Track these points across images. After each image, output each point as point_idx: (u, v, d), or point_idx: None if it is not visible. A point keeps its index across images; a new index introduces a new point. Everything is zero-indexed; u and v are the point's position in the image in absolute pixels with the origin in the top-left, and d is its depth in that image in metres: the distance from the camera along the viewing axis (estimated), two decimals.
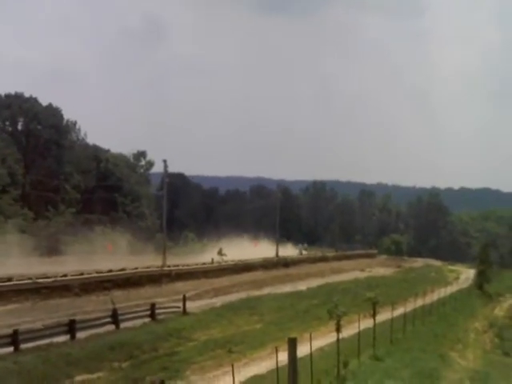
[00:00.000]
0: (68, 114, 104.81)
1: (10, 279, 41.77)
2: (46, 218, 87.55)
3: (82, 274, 47.32)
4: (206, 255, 71.22)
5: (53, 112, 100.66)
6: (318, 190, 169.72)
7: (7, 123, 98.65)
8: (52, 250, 73.52)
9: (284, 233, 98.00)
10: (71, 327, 29.16)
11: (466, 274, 79.32)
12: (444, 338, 38.72)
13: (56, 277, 44.68)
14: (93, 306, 39.22)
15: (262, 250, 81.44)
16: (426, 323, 41.41)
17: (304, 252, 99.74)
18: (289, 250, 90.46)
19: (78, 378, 23.59)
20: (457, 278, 76.83)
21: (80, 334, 29.33)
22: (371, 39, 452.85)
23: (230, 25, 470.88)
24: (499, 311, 56.34)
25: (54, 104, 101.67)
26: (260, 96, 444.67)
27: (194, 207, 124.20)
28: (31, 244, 67.64)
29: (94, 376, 23.97)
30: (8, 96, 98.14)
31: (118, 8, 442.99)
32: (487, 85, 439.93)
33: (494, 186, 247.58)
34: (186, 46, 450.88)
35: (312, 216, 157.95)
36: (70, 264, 56.17)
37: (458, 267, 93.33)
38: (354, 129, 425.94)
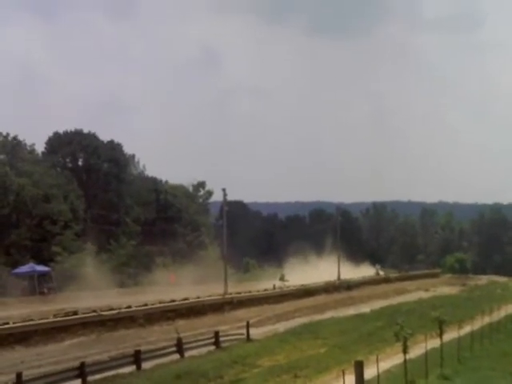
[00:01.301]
0: (126, 148, 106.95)
1: (75, 313, 42.51)
2: (109, 251, 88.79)
3: (145, 304, 47.79)
4: (268, 281, 71.29)
5: (112, 146, 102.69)
6: (379, 212, 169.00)
7: (67, 160, 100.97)
8: (115, 282, 74.61)
9: (346, 255, 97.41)
10: (137, 358, 29.39)
11: None
12: None
13: (120, 309, 45.26)
14: (157, 336, 39.58)
15: (326, 271, 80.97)
16: (494, 341, 40.44)
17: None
18: (346, 269, 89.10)
19: None
20: None
21: (145, 365, 29.51)
22: (426, 56, 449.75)
23: (284, 48, 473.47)
24: None
25: (113, 138, 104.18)
26: (315, 119, 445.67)
27: (254, 234, 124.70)
28: (95, 278, 68.70)
29: None
30: (67, 133, 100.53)
31: (173, 39, 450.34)
32: None
33: None
34: (241, 74, 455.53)
35: (373, 238, 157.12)
36: (133, 295, 56.85)
37: None
38: (411, 148, 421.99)
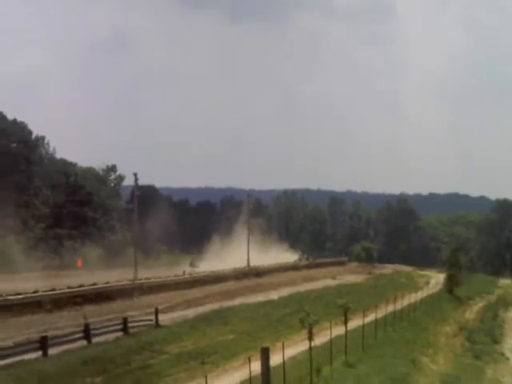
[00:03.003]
0: (37, 129, 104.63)
1: None
2: (16, 234, 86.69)
3: (53, 289, 47.13)
4: (178, 267, 71.29)
5: (22, 127, 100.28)
6: (289, 199, 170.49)
7: None
8: (24, 266, 73.03)
9: (257, 242, 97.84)
10: (43, 344, 29.09)
11: (436, 279, 79.74)
12: (415, 343, 39.10)
13: (27, 293, 44.52)
14: (65, 321, 39.10)
15: (237, 257, 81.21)
16: (397, 329, 41.75)
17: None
18: (257, 255, 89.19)
19: None
20: (427, 283, 77.25)
21: (52, 351, 29.25)
22: (338, 46, 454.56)
23: (199, 35, 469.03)
24: (469, 315, 56.97)
25: (22, 119, 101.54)
26: (229, 105, 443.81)
27: (165, 219, 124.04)
28: (2, 261, 67.22)
29: None
30: None
31: (83, 21, 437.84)
32: (455, 89, 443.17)
33: (462, 191, 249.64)
34: (155, 57, 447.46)
35: (283, 225, 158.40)
36: (41, 280, 55.90)
37: (428, 272, 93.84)
38: (322, 137, 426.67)
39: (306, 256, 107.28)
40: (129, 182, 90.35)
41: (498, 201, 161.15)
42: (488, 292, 73.86)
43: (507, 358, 39.55)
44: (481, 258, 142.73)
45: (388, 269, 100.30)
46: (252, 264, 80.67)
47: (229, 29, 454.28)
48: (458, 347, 41.70)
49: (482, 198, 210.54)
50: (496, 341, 45.03)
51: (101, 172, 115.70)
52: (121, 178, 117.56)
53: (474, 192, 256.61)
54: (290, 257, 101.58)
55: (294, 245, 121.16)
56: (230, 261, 77.89)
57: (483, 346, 41.86)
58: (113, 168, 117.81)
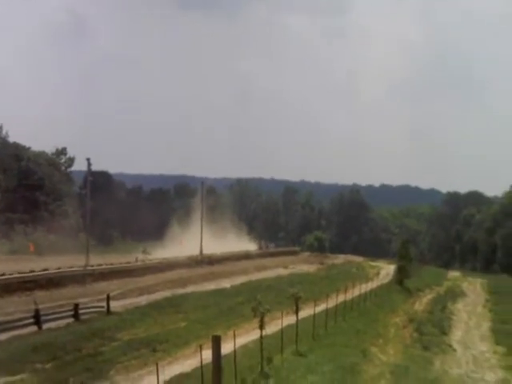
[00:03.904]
0: None
1: None
2: None
3: (3, 274, 46.62)
4: (131, 254, 70.99)
5: None
6: (242, 188, 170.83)
7: None
8: None
9: (212, 230, 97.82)
10: None
11: (387, 270, 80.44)
12: (365, 333, 39.48)
13: None
14: (15, 306, 38.74)
15: (191, 245, 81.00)
16: (348, 319, 42.13)
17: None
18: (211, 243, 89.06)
19: (0, 380, 23.33)
20: (377, 274, 77.86)
21: (1, 336, 28.99)
22: (294, 38, 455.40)
23: (152, 21, 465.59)
24: (418, 306, 57.58)
25: None
26: (181, 93, 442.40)
27: (118, 206, 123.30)
28: None
29: (17, 378, 23.66)
30: None
31: (40, 3, 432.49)
32: (409, 83, 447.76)
33: (413, 183, 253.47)
34: (109, 43, 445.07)
35: (236, 214, 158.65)
36: None
37: (379, 263, 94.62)
38: (277, 126, 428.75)
39: (267, 245, 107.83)
40: (82, 166, 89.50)
41: (448, 193, 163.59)
42: (437, 284, 74.77)
43: (454, 350, 40.09)
44: (431, 250, 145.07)
45: (340, 259, 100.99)
46: (208, 252, 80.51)
47: (186, 16, 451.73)
48: (407, 338, 42.15)
49: (433, 191, 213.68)
50: (444, 332, 45.61)
51: (50, 155, 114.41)
52: (71, 160, 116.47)
53: (425, 184, 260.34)
54: (246, 245, 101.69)
55: (247, 233, 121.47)
56: (186, 248, 77.83)
57: (432, 338, 42.38)
58: (63, 151, 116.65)
